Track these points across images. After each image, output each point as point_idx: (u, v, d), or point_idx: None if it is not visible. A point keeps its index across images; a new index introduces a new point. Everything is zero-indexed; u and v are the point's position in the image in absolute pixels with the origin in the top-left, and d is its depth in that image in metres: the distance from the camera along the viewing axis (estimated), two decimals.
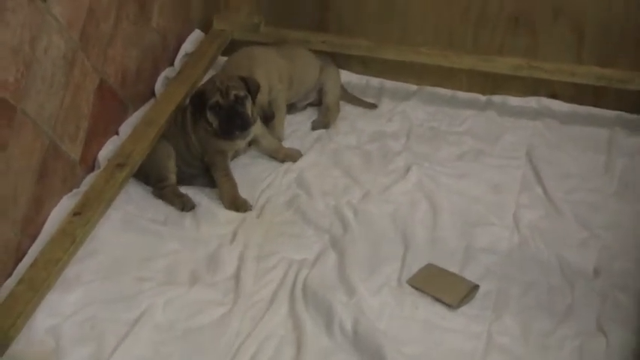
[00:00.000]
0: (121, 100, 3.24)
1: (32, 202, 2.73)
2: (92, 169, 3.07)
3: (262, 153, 3.29)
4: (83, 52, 2.91)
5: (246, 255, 2.80)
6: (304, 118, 3.53)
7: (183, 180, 3.13)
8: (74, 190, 2.95)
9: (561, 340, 2.51)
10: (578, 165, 3.23)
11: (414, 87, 3.68)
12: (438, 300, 2.64)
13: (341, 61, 3.66)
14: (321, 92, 3.53)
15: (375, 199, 3.06)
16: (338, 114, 3.50)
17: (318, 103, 3.56)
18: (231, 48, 3.60)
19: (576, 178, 3.17)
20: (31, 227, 2.74)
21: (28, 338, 2.44)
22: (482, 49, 3.51)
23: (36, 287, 2.48)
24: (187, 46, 3.67)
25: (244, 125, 3.05)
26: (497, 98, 3.59)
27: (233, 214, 3.00)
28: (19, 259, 2.68)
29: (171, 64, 3.61)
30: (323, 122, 3.47)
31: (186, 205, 3.03)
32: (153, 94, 3.45)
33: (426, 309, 2.62)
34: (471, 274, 2.73)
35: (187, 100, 3.21)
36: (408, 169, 3.19)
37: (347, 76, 3.69)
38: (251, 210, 3.03)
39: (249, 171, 3.21)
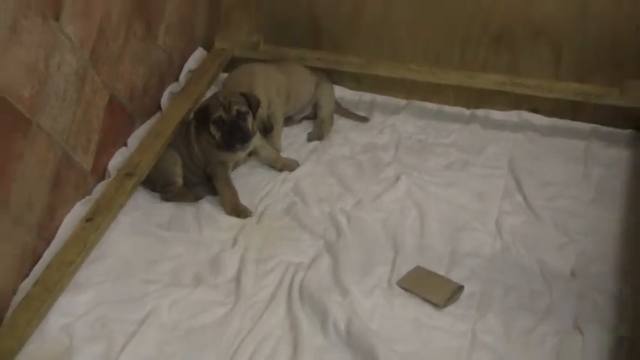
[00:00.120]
0: (129, 114, 3.24)
1: (47, 209, 2.74)
2: (102, 178, 3.07)
3: (262, 163, 3.28)
4: (94, 69, 2.90)
5: (247, 258, 2.81)
6: (300, 131, 3.53)
7: (186, 187, 3.13)
8: (86, 198, 2.95)
9: (541, 337, 2.51)
10: (556, 174, 3.22)
11: (403, 102, 3.67)
12: (425, 300, 2.64)
13: (335, 77, 3.65)
14: (316, 106, 3.53)
15: (367, 206, 3.05)
16: (332, 127, 3.50)
17: (313, 117, 3.56)
18: (231, 65, 3.59)
19: (555, 187, 3.15)
20: (45, 232, 2.75)
21: (43, 336, 2.44)
22: (467, 66, 3.50)
23: (50, 288, 2.50)
24: (191, 64, 3.67)
25: (244, 138, 3.05)
26: (480, 112, 3.58)
27: (234, 220, 3.00)
28: (35, 262, 2.68)
29: (176, 79, 3.60)
30: (318, 134, 3.47)
31: (197, 197, 3.05)
32: (159, 108, 3.44)
33: (415, 309, 2.62)
34: (456, 276, 2.73)
35: (192, 114, 3.21)
36: (397, 179, 3.18)
37: (340, 92, 3.68)
38: (251, 216, 3.02)
39: (249, 180, 3.21)
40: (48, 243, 2.75)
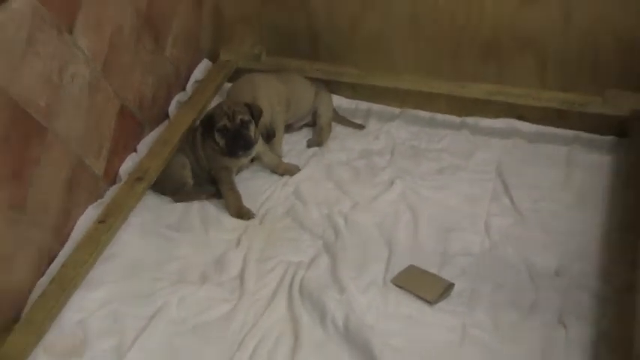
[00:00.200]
0: (139, 122, 3.25)
1: (61, 212, 2.75)
2: (114, 182, 3.08)
3: (264, 168, 3.28)
4: (106, 80, 2.92)
5: (250, 257, 2.82)
6: (300, 137, 3.52)
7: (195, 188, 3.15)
8: (98, 201, 2.96)
9: (527, 331, 2.52)
10: (542, 178, 3.18)
11: (397, 110, 3.63)
12: (418, 297, 2.65)
13: (333, 87, 3.64)
14: (315, 114, 3.53)
15: (363, 208, 3.06)
16: (330, 134, 3.50)
17: (312, 124, 3.56)
18: (236, 75, 3.58)
19: (541, 190, 3.13)
20: (60, 233, 2.77)
21: (59, 330, 2.46)
22: (458, 76, 3.47)
23: (65, 286, 2.52)
24: (197, 74, 3.66)
25: (247, 146, 3.07)
26: (470, 120, 3.54)
27: (238, 222, 3.02)
28: (51, 261, 2.70)
29: (183, 89, 3.59)
30: (317, 141, 3.47)
31: (209, 193, 3.08)
32: (167, 116, 3.44)
33: (409, 305, 2.63)
34: (447, 274, 2.73)
35: (198, 122, 3.22)
36: (392, 183, 3.17)
37: (338, 100, 3.66)
38: (254, 218, 3.04)
39: (251, 184, 3.21)
40: (62, 244, 2.77)
